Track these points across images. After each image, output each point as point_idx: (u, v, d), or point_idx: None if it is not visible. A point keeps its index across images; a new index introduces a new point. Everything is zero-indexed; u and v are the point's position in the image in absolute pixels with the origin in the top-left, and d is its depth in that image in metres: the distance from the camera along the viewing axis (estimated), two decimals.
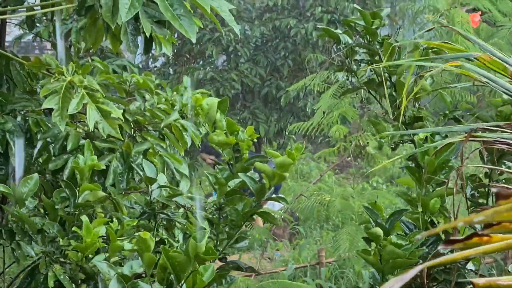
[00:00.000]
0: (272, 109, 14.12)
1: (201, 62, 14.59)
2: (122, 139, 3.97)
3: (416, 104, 3.36)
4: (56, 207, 3.36)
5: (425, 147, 2.95)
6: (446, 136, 3.09)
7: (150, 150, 4.15)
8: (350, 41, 3.50)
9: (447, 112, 3.37)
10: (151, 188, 3.56)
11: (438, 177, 3.13)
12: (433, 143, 3.06)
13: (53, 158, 4.12)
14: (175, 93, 4.95)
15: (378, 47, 3.43)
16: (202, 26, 5.26)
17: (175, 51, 14.20)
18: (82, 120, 4.34)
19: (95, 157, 3.50)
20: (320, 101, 8.04)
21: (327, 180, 14.45)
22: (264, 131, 13.74)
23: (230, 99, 12.63)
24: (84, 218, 3.10)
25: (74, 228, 3.16)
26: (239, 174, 3.44)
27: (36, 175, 3.47)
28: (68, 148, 4.08)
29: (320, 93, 8.52)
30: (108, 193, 3.71)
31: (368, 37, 3.45)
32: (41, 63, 3.97)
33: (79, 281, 3.17)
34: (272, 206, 11.36)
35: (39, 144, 4.24)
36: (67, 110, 3.65)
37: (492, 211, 1.35)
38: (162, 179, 3.62)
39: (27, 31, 5.37)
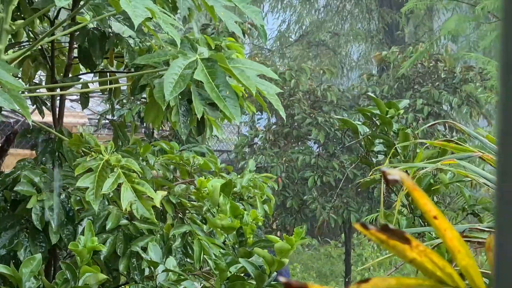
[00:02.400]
0: (365, 199, 13.87)
1: (296, 147, 14.54)
2: (155, 221, 3.89)
3: (435, 197, 3.16)
4: None
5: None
6: None
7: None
8: (367, 131, 3.35)
9: (465, 206, 3.15)
10: (156, 271, 3.45)
11: None
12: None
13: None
14: (238, 176, 4.88)
15: (394, 137, 3.27)
16: (255, 111, 5.18)
17: (273, 132, 14.22)
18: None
19: (95, 238, 3.41)
20: None
21: None
22: (356, 220, 13.49)
23: (328, 186, 12.29)
24: None
25: None
26: (240, 260, 3.30)
27: (39, 255, 3.40)
28: (108, 227, 4.03)
29: None
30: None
31: (384, 127, 3.29)
32: (81, 141, 3.96)
33: None
34: None
35: (84, 222, 4.21)
36: (102, 189, 3.61)
37: None
38: (171, 262, 3.50)
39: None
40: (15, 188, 4.01)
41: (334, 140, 14.25)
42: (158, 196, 3.67)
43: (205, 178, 4.58)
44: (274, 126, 14.57)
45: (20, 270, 3.25)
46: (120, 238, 4.06)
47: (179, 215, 4.25)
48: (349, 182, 14.18)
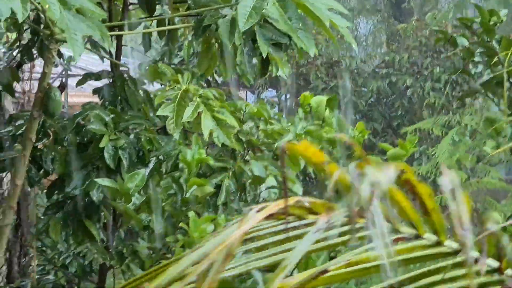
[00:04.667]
0: None
1: None
2: (238, 148, 3.86)
3: None
4: (163, 203, 3.26)
5: None
6: None
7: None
8: (466, 43, 3.31)
9: None
10: (259, 188, 3.43)
11: None
12: None
13: (164, 176, 4.05)
14: (289, 123, 4.84)
15: (496, 45, 3.24)
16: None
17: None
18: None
19: (203, 151, 3.39)
20: (437, 146, 7.78)
21: None
22: None
23: None
24: (192, 213, 2.98)
25: (181, 224, 3.05)
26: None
27: (143, 171, 3.39)
28: (181, 165, 4.00)
29: (438, 138, 8.25)
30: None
31: (485, 36, 3.25)
32: (157, 72, 3.93)
33: None
34: None
35: (151, 163, 4.19)
36: (182, 118, 3.58)
37: None
38: (271, 181, 3.48)
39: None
40: (88, 127, 3.98)
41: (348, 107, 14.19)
42: (236, 124, 3.64)
43: (257, 126, 4.56)
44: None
45: (125, 185, 3.23)
46: (173, 178, 4.02)
47: (249, 152, 4.22)
48: (366, 149, 14.14)
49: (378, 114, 14.03)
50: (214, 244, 1.20)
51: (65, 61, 7.09)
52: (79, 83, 4.66)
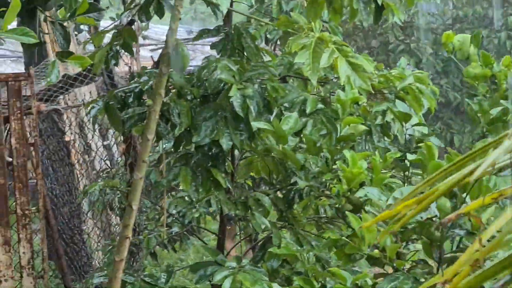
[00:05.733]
0: (465, 120, 13.80)
1: None
2: (373, 91, 3.96)
3: None
4: (318, 144, 3.37)
5: None
6: None
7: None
8: None
9: None
10: (405, 125, 3.52)
11: None
12: None
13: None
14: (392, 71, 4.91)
15: None
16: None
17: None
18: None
19: (356, 91, 3.49)
20: None
21: None
22: (459, 142, 13.45)
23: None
24: (347, 152, 3.10)
25: (337, 162, 3.17)
26: (501, 101, 3.35)
27: (295, 114, 3.51)
28: (308, 111, 4.11)
29: None
30: None
31: None
32: (289, 21, 4.04)
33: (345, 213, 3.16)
34: None
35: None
36: (319, 64, 3.69)
37: None
38: (415, 120, 3.57)
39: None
40: (218, 76, 4.11)
41: (425, 66, 14.15)
42: (371, 68, 3.73)
43: None
44: None
45: (280, 127, 3.35)
46: (321, 120, 4.13)
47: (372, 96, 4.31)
48: (444, 104, 14.13)
49: (455, 68, 13.96)
50: None
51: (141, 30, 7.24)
52: (195, 39, 4.78)
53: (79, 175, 8.56)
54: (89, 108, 4.64)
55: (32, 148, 5.38)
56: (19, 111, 5.34)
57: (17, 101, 5.35)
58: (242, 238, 5.48)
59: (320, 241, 4.37)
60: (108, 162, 9.07)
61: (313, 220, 4.73)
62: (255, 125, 3.94)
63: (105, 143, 9.41)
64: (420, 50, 13.87)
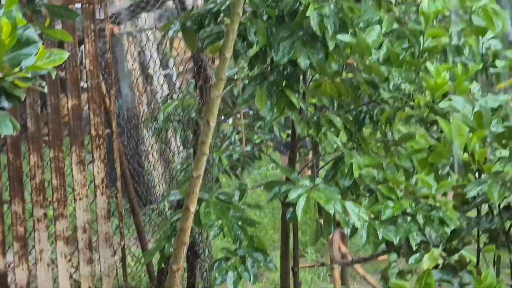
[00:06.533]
0: None
1: None
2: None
3: None
4: (401, 57, 3.43)
5: None
6: None
7: None
8: None
9: None
10: (482, 39, 3.56)
11: None
12: None
13: None
14: None
15: None
16: None
17: None
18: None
19: (439, 3, 3.53)
20: None
21: None
22: None
23: None
24: (430, 64, 3.15)
25: (420, 74, 3.23)
26: None
27: (378, 27, 3.55)
28: (383, 30, 4.14)
29: None
30: None
31: None
32: None
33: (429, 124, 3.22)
34: None
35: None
36: None
37: None
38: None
39: None
40: None
41: None
42: None
43: None
44: None
45: (364, 39, 3.40)
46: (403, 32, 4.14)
47: None
48: None
49: None
50: None
51: None
52: None
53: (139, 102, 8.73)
54: (165, 30, 4.70)
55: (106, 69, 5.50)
56: (93, 34, 5.45)
57: (91, 24, 5.46)
58: (308, 162, 5.57)
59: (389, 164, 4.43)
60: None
61: (382, 143, 4.80)
62: (338, 38, 3.98)
63: (165, 72, 9.54)
64: None
